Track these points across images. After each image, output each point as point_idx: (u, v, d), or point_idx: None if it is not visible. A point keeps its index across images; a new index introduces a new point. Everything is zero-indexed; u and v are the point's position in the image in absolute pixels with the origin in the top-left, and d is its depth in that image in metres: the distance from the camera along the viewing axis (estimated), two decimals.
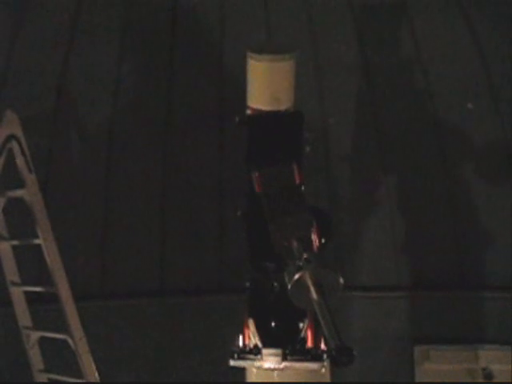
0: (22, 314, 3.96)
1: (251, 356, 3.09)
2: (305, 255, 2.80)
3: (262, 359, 3.06)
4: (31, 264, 4.38)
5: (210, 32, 5.40)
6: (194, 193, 5.69)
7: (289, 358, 3.03)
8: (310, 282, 2.69)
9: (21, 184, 3.82)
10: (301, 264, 2.76)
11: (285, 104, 2.99)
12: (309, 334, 3.06)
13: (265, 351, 3.06)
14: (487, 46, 5.16)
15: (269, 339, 3.07)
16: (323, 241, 3.03)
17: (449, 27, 5.23)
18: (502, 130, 5.29)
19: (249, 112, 3.03)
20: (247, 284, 3.16)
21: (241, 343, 3.15)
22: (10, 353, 4.99)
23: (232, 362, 3.14)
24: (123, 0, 5.29)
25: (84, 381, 3.77)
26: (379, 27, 5.35)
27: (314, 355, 3.03)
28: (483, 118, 5.33)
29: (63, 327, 3.76)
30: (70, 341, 3.75)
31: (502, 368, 5.21)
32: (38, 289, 3.97)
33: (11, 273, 3.96)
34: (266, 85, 2.98)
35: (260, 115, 2.99)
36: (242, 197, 3.11)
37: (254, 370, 3.10)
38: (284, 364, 3.03)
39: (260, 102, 3.00)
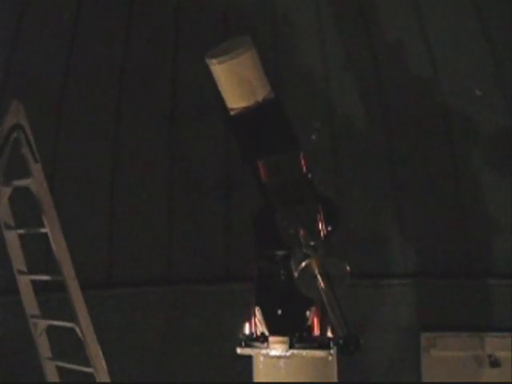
0: (30, 303, 3.97)
1: (258, 344, 3.11)
2: (312, 243, 2.81)
3: (268, 347, 3.08)
4: (38, 253, 4.39)
5: (213, 26, 5.38)
6: (200, 181, 5.69)
7: (295, 345, 3.04)
8: (316, 271, 2.70)
9: (27, 173, 3.81)
10: (308, 252, 2.77)
11: (261, 94, 3.01)
12: (315, 321, 3.06)
13: (271, 339, 3.07)
14: (495, 31, 5.13)
15: (275, 327, 3.08)
16: (330, 229, 3.03)
17: (456, 13, 5.20)
18: (509, 117, 5.27)
19: (232, 113, 3.05)
20: (254, 272, 3.17)
21: (248, 331, 3.17)
22: (17, 341, 5.01)
23: (239, 350, 3.16)
24: None
25: (92, 369, 3.78)
26: (386, 15, 5.33)
27: (320, 343, 3.05)
28: (490, 104, 5.31)
29: (70, 316, 3.77)
30: (77, 329, 3.75)
31: (508, 355, 5.22)
32: (45, 278, 3.97)
33: (18, 262, 3.97)
34: (234, 83, 2.99)
35: (240, 114, 3.01)
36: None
37: (261, 358, 3.12)
38: (291, 352, 3.04)
39: (236, 101, 3.02)
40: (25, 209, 3.93)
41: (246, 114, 3.00)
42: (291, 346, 3.03)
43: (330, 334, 3.06)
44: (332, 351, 3.04)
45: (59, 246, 3.76)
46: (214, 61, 2.95)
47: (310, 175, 3.08)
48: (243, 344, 3.15)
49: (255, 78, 3.00)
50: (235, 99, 3.01)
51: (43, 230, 3.79)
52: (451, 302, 5.45)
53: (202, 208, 5.73)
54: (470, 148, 5.42)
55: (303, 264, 2.72)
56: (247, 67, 2.96)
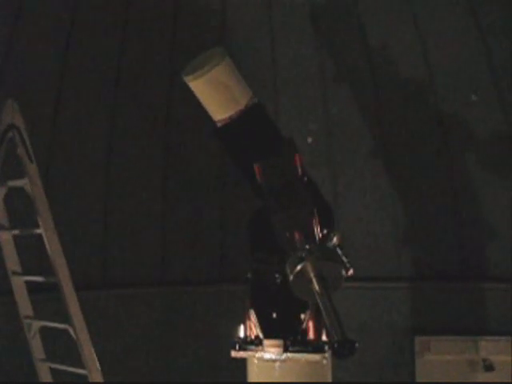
0: (24, 304, 3.95)
1: (252, 347, 3.10)
2: (307, 246, 2.80)
3: (263, 350, 3.07)
4: (32, 254, 4.37)
5: (211, 30, 5.38)
6: (195, 183, 5.68)
7: (290, 349, 3.03)
8: (311, 274, 2.69)
9: (22, 174, 3.80)
10: (303, 255, 2.76)
11: (243, 101, 3.03)
12: (310, 325, 3.06)
13: (266, 342, 3.06)
14: (491, 36, 5.14)
15: (270, 330, 3.08)
16: (325, 232, 3.03)
17: (452, 18, 5.20)
18: (505, 120, 5.27)
19: (218, 125, 3.07)
20: (249, 275, 3.16)
21: (242, 334, 3.16)
22: (11, 342, 4.99)
23: (233, 353, 3.15)
24: None
25: (85, 370, 3.77)
26: (382, 20, 5.33)
27: (315, 347, 3.04)
28: (486, 107, 5.32)
29: (64, 317, 3.76)
30: (71, 330, 3.74)
31: (503, 359, 5.22)
32: (39, 278, 3.96)
33: (12, 262, 3.95)
34: (215, 95, 3.02)
35: (227, 124, 3.02)
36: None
37: (255, 361, 3.11)
38: (285, 355, 3.03)
39: (220, 112, 3.04)
40: (19, 209, 3.92)
41: (232, 123, 3.01)
42: (286, 350, 3.03)
43: (324, 338, 3.06)
44: (326, 355, 3.03)
45: (54, 247, 3.75)
46: (191, 77, 2.97)
47: (305, 178, 3.08)
48: (237, 347, 3.14)
49: (235, 87, 3.02)
50: (219, 111, 3.04)
51: (38, 231, 3.77)
52: (446, 306, 5.45)
53: (196, 209, 5.72)
54: (466, 152, 5.42)
55: (298, 267, 2.71)
56: (225, 77, 2.97)
